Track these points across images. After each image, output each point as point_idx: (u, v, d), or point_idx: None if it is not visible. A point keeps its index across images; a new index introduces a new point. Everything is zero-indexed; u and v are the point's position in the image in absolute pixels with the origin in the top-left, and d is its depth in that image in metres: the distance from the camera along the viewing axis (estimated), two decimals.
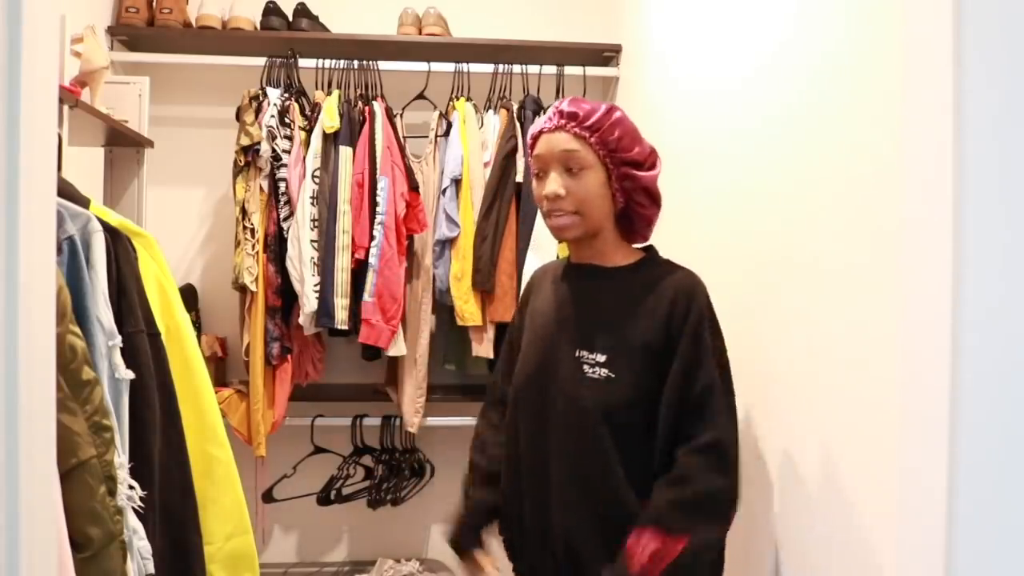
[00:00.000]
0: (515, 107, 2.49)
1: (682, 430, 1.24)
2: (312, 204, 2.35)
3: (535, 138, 1.36)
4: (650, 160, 1.34)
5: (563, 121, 1.31)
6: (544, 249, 2.24)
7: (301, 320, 2.35)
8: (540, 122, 1.36)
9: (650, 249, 1.42)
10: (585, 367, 1.31)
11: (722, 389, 1.25)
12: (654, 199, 1.35)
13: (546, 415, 1.35)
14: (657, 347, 1.27)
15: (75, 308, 1.10)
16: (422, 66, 2.56)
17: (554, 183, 1.30)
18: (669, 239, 2.00)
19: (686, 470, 1.22)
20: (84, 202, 1.23)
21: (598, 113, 1.30)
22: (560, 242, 1.67)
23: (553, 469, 1.33)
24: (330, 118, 2.35)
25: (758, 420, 1.42)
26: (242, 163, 2.37)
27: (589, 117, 1.30)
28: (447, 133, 2.48)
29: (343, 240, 2.34)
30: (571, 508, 1.31)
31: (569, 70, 2.59)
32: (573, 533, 1.30)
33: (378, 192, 2.33)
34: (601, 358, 1.30)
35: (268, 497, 2.60)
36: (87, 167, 2.14)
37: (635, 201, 1.33)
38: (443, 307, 2.49)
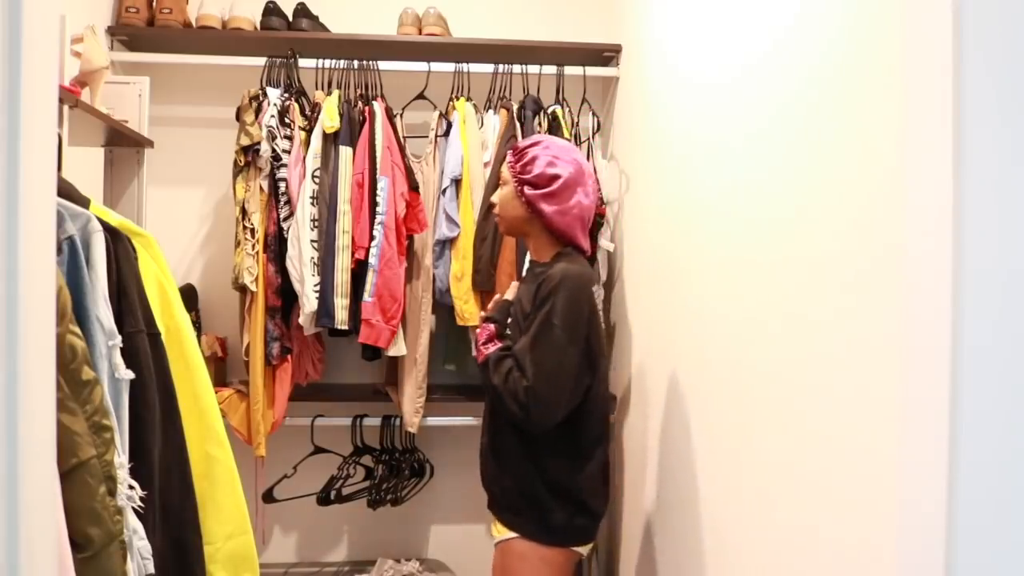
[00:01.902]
0: (515, 107, 2.49)
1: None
2: (312, 204, 2.35)
3: None
4: (546, 181, 1.70)
5: (509, 153, 1.80)
6: None
7: (301, 320, 2.35)
8: None
9: (569, 248, 1.77)
10: (507, 336, 1.76)
11: (530, 348, 1.64)
12: (547, 213, 1.71)
13: None
14: (525, 318, 1.69)
15: (75, 308, 1.10)
16: (422, 66, 2.56)
17: (495, 196, 1.84)
18: (670, 237, 2.01)
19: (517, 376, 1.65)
20: (84, 202, 1.23)
21: (525, 143, 1.77)
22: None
23: (484, 437, 1.85)
24: (330, 118, 2.35)
25: (758, 420, 1.42)
26: (242, 163, 2.37)
27: (516, 148, 1.77)
28: (447, 133, 2.48)
29: (343, 240, 2.34)
30: (486, 464, 1.83)
31: (569, 70, 2.59)
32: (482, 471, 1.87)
33: (378, 192, 2.33)
34: (510, 332, 1.76)
35: (268, 497, 2.60)
36: (87, 167, 2.14)
37: (535, 211, 1.72)
38: (443, 307, 2.49)
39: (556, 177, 1.69)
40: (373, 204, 2.35)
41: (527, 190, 1.71)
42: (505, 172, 1.77)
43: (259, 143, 2.35)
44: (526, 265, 2.29)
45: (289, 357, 2.45)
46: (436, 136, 2.51)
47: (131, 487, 1.13)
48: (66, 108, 1.55)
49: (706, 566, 1.65)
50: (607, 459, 1.81)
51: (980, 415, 0.83)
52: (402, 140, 2.46)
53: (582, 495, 1.73)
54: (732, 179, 1.58)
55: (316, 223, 2.35)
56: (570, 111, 2.53)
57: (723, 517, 1.56)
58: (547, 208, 1.70)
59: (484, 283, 2.36)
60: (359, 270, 2.34)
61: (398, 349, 2.38)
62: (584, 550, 1.80)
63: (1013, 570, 0.84)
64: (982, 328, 0.83)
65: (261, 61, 2.50)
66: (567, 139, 2.44)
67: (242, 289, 2.39)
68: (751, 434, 1.45)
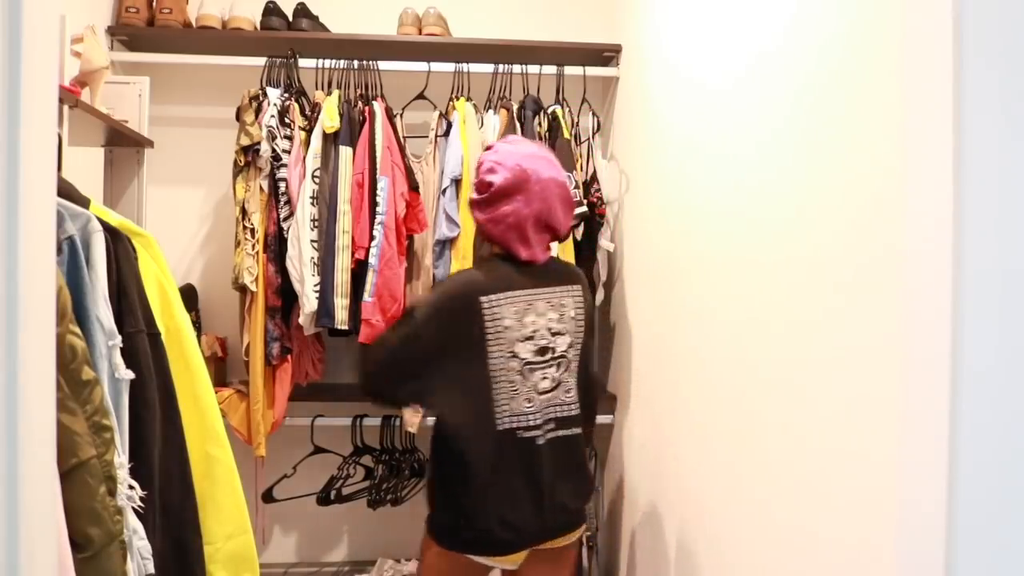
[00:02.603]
0: (515, 107, 2.49)
1: None
2: (312, 204, 2.35)
3: None
4: (483, 191, 1.68)
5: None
6: None
7: (301, 320, 2.35)
8: None
9: (495, 259, 1.72)
10: None
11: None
12: (476, 219, 1.72)
13: None
14: None
15: (75, 308, 1.10)
16: (422, 66, 2.56)
17: None
18: (670, 237, 2.01)
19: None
20: (84, 202, 1.23)
21: (488, 145, 1.78)
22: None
23: None
24: (330, 118, 2.35)
25: (758, 420, 1.42)
26: (242, 163, 2.37)
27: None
28: (447, 133, 2.48)
29: (343, 240, 2.34)
30: None
31: (569, 70, 2.59)
32: None
33: (378, 192, 2.33)
34: None
35: (268, 497, 2.60)
36: (87, 167, 2.14)
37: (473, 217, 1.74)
38: None
39: (489, 185, 1.66)
40: (373, 204, 2.35)
41: (471, 194, 1.72)
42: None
43: (259, 143, 2.35)
44: None
45: (289, 357, 2.45)
46: (436, 136, 2.51)
47: (131, 487, 1.13)
48: (66, 108, 1.55)
49: (706, 566, 1.65)
50: (520, 487, 1.62)
51: (980, 416, 0.83)
52: (402, 140, 2.46)
53: (465, 510, 1.62)
54: (732, 179, 1.58)
55: (316, 223, 2.35)
56: (570, 111, 2.53)
57: (723, 517, 1.56)
58: (480, 216, 1.69)
59: None
60: (359, 270, 2.34)
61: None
62: (491, 561, 1.68)
63: (1013, 570, 0.84)
64: (982, 329, 0.83)
65: (261, 61, 2.50)
66: (567, 139, 2.44)
67: (242, 289, 2.39)
68: (751, 434, 1.45)
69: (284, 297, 2.41)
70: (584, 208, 2.37)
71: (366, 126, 2.40)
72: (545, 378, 1.65)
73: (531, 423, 1.63)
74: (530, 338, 1.63)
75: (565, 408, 1.68)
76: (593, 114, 2.62)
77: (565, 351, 1.68)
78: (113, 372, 1.15)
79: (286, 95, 2.45)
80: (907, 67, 0.93)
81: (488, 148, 1.74)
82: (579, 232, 2.45)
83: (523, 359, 1.62)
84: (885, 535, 0.98)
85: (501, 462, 1.61)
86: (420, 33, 2.62)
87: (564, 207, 1.70)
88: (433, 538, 1.67)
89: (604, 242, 2.51)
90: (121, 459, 1.12)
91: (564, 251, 2.38)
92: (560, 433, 1.67)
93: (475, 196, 1.69)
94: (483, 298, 1.60)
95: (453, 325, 1.61)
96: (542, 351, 1.65)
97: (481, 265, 1.72)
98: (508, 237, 1.67)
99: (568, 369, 1.69)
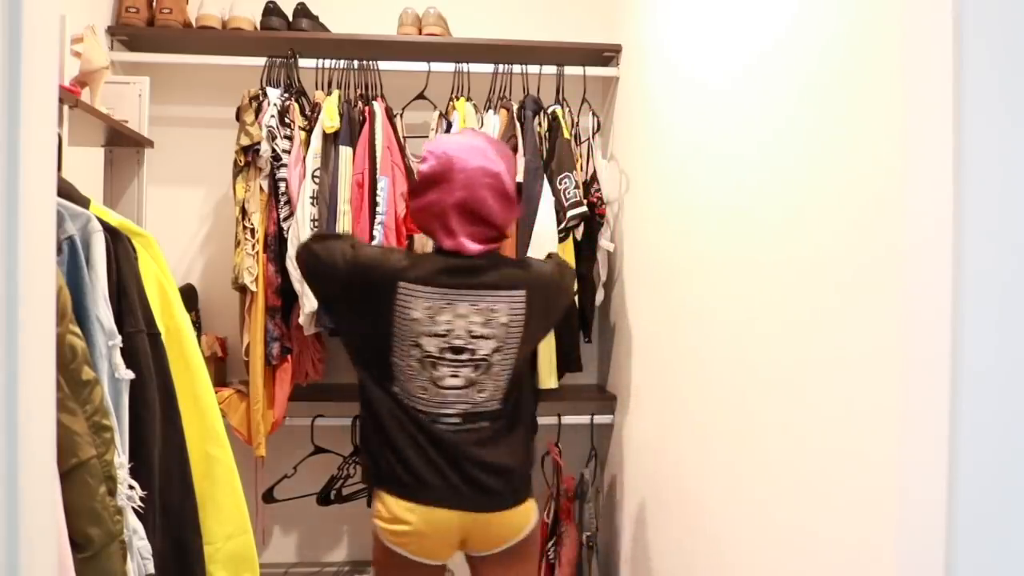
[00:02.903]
0: (515, 107, 2.49)
1: None
2: (312, 204, 2.35)
3: None
4: (414, 178, 1.82)
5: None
6: (544, 249, 2.23)
7: (301, 320, 2.35)
8: None
9: (427, 252, 1.75)
10: None
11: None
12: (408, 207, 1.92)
13: None
14: None
15: (75, 308, 1.10)
16: (422, 66, 2.56)
17: None
18: (670, 237, 2.01)
19: None
20: (84, 202, 1.23)
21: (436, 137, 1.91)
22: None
23: None
24: (330, 118, 2.35)
25: (758, 420, 1.42)
26: (242, 163, 2.37)
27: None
28: (447, 133, 2.48)
29: None
30: None
31: (569, 70, 2.59)
32: None
33: (378, 192, 2.33)
34: None
35: (268, 497, 2.60)
36: (87, 167, 2.14)
37: None
38: None
39: (417, 174, 1.70)
40: (373, 204, 2.35)
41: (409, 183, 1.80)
42: None
43: (259, 143, 2.35)
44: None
45: (289, 357, 2.45)
46: (436, 136, 2.51)
47: (131, 487, 1.13)
48: (66, 108, 1.55)
49: (706, 566, 1.65)
50: (417, 445, 1.63)
51: (980, 416, 0.83)
52: (402, 140, 2.46)
53: (373, 445, 1.69)
54: (732, 179, 1.58)
55: (316, 223, 2.35)
56: (570, 111, 2.53)
57: (722, 517, 1.56)
58: (410, 205, 1.75)
59: None
60: None
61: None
62: (425, 552, 1.64)
63: (1013, 570, 0.84)
64: (982, 329, 0.83)
65: (261, 61, 2.49)
66: (567, 139, 2.44)
67: (242, 289, 2.39)
68: (751, 434, 1.45)
69: (284, 297, 2.41)
70: (584, 208, 2.37)
71: (366, 126, 2.40)
72: (456, 376, 1.64)
73: (424, 408, 1.64)
74: (441, 336, 1.62)
75: (476, 406, 1.66)
76: (593, 114, 2.62)
77: (488, 355, 1.65)
78: (113, 372, 1.15)
79: (286, 95, 2.45)
80: (907, 67, 0.93)
81: (437, 141, 1.74)
82: (579, 232, 2.45)
83: (426, 351, 1.62)
84: (885, 535, 0.98)
85: (397, 420, 1.65)
86: (420, 33, 2.62)
87: (496, 197, 1.64)
88: (368, 484, 1.73)
89: (604, 242, 2.51)
90: (121, 459, 1.12)
91: (564, 251, 2.38)
92: (467, 426, 1.66)
93: (407, 186, 1.77)
94: (401, 283, 1.61)
95: (367, 291, 1.64)
96: (457, 351, 1.63)
97: (414, 253, 1.76)
98: (432, 226, 1.67)
99: (488, 372, 1.66)
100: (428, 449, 1.63)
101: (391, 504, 1.63)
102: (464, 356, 1.64)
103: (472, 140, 1.70)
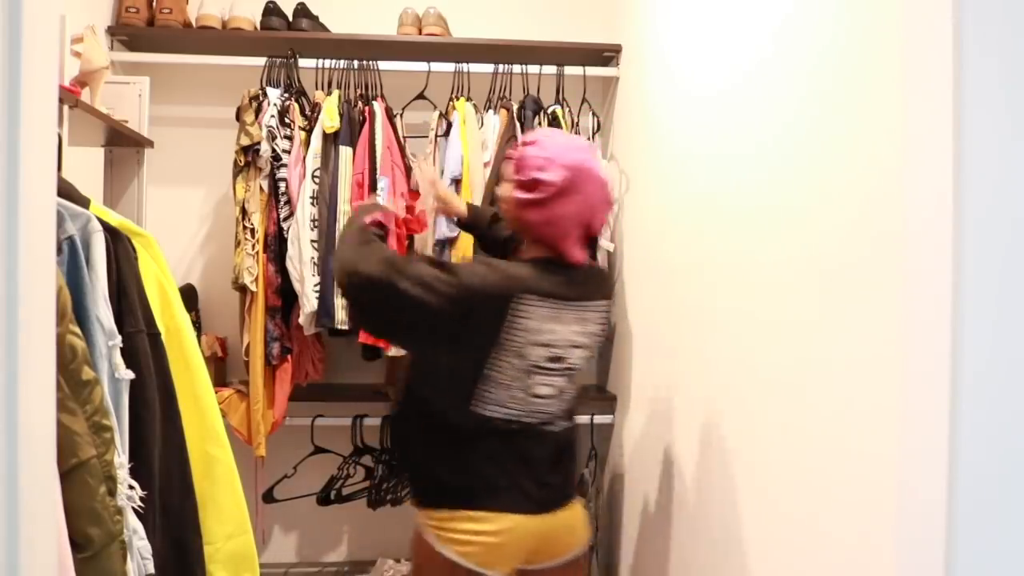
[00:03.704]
0: (515, 107, 2.49)
1: None
2: (312, 204, 2.35)
3: None
4: (534, 190, 1.55)
5: (520, 142, 1.69)
6: None
7: (301, 320, 2.35)
8: None
9: (544, 259, 1.60)
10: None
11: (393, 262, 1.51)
12: (524, 220, 1.59)
13: None
14: None
15: (75, 308, 1.10)
16: (422, 66, 2.56)
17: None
18: (669, 237, 2.01)
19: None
20: (84, 202, 1.23)
21: (526, 139, 1.63)
22: None
23: None
24: (330, 118, 2.35)
25: (758, 420, 1.42)
26: (242, 163, 2.37)
27: (524, 141, 1.63)
28: (447, 133, 2.48)
29: None
30: None
31: (569, 70, 2.59)
32: None
33: (378, 192, 2.33)
34: None
35: (268, 497, 2.60)
36: (87, 167, 2.14)
37: (522, 217, 1.59)
38: None
39: (541, 183, 1.53)
40: None
41: (517, 193, 1.57)
42: (506, 169, 1.64)
43: (259, 143, 2.35)
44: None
45: (289, 357, 2.45)
46: (436, 136, 2.51)
47: (131, 487, 1.13)
48: (66, 108, 1.55)
49: (705, 565, 1.65)
50: (498, 456, 1.59)
51: (980, 414, 0.83)
52: (402, 140, 2.46)
53: (450, 465, 1.60)
54: (732, 179, 1.58)
55: (316, 223, 2.35)
56: (570, 111, 2.53)
57: (722, 516, 1.56)
58: (533, 217, 1.55)
59: None
60: None
61: (398, 349, 2.38)
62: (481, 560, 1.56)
63: (1013, 569, 0.84)
64: (982, 328, 0.83)
65: (261, 61, 2.49)
66: None
67: (242, 289, 2.39)
68: (751, 433, 1.45)
69: (284, 297, 2.41)
70: None
71: (366, 126, 2.40)
72: (549, 385, 1.59)
73: (513, 417, 1.57)
74: (546, 345, 1.55)
75: (559, 413, 1.64)
76: (593, 114, 2.62)
77: (577, 364, 1.62)
78: (113, 372, 1.15)
79: (286, 95, 2.45)
80: (908, 64, 0.93)
81: (530, 142, 1.59)
82: None
83: (530, 361, 1.54)
84: (885, 534, 0.98)
85: (481, 433, 1.57)
86: (420, 33, 2.62)
87: (608, 208, 1.66)
88: (429, 508, 1.58)
89: (604, 242, 2.51)
90: (121, 459, 1.12)
91: None
92: (552, 431, 1.63)
93: (525, 195, 1.55)
94: (521, 296, 1.50)
95: (477, 311, 1.50)
96: (556, 359, 1.57)
97: (529, 264, 1.57)
98: (565, 238, 1.56)
99: (572, 380, 1.65)
100: (513, 458, 1.58)
101: (478, 519, 1.55)
102: (561, 365, 1.59)
103: (580, 143, 1.69)
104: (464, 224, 2.07)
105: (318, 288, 2.32)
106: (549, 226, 1.55)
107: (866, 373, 1.05)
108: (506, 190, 1.63)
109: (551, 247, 1.58)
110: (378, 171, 2.35)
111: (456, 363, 1.55)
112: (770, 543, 1.36)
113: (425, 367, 1.63)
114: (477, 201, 2.42)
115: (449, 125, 2.49)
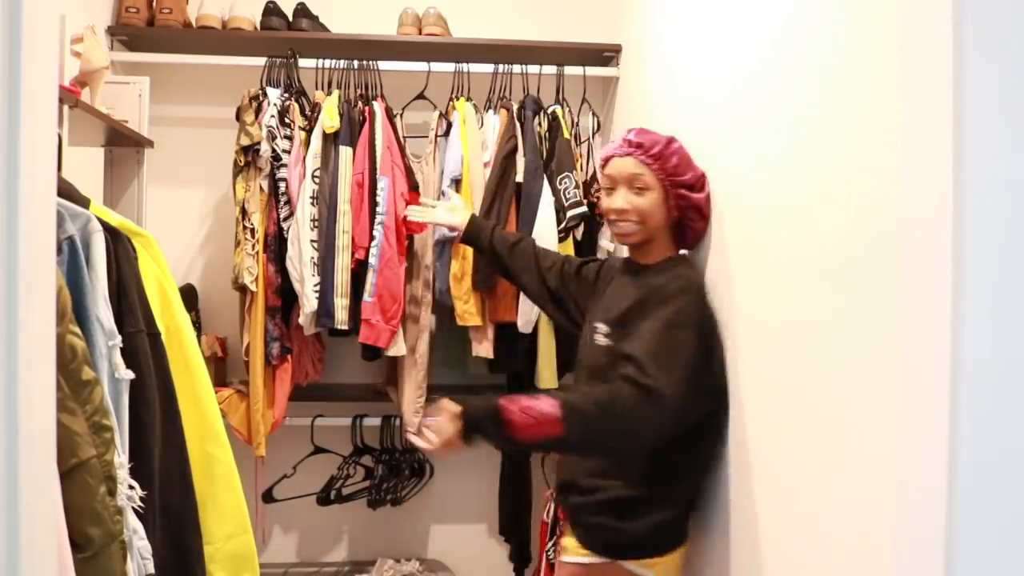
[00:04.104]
0: (515, 107, 2.49)
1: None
2: (312, 204, 2.35)
3: (606, 160, 1.68)
4: (699, 183, 1.63)
5: (631, 149, 1.62)
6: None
7: (301, 320, 2.35)
8: (611, 147, 1.67)
9: (684, 255, 1.69)
10: (596, 335, 1.62)
11: (657, 340, 1.43)
12: (703, 215, 1.64)
13: (577, 376, 1.74)
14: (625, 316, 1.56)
15: (75, 308, 1.10)
16: (422, 66, 2.56)
17: (621, 199, 1.62)
18: None
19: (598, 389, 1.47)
20: (84, 202, 1.23)
21: (660, 144, 1.61)
22: (622, 244, 1.83)
23: None
24: (330, 118, 2.35)
25: (758, 422, 1.42)
26: (242, 163, 2.37)
27: (653, 147, 1.60)
28: (447, 133, 2.48)
29: (343, 240, 2.33)
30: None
31: (569, 70, 2.59)
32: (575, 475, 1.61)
33: (378, 192, 2.33)
34: (605, 329, 1.60)
35: (268, 497, 2.60)
36: (87, 167, 2.14)
37: (687, 216, 1.64)
38: (443, 307, 2.49)
39: (703, 178, 1.64)
40: (373, 204, 2.35)
41: (685, 192, 1.60)
42: (647, 176, 1.59)
43: (259, 143, 2.35)
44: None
45: (289, 357, 2.45)
46: (436, 136, 2.51)
47: (131, 487, 1.13)
48: (66, 108, 1.55)
49: (705, 564, 1.65)
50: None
51: (980, 413, 0.83)
52: (402, 140, 2.46)
53: (689, 494, 1.64)
54: (732, 179, 1.58)
55: (316, 223, 2.35)
56: (570, 111, 2.53)
57: (723, 516, 1.56)
58: (707, 210, 1.64)
59: (484, 283, 2.35)
60: (359, 270, 2.34)
61: (398, 349, 2.38)
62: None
63: (1012, 568, 0.84)
64: (981, 328, 0.83)
65: (261, 61, 2.49)
66: (567, 139, 2.44)
67: (242, 289, 2.39)
68: (750, 432, 1.45)
69: (284, 297, 2.41)
70: (584, 208, 2.37)
71: (366, 126, 2.40)
72: None
73: None
74: None
75: None
76: (593, 114, 2.62)
77: None
78: (113, 372, 1.15)
79: (286, 95, 2.44)
80: (908, 64, 0.93)
81: (666, 143, 1.62)
82: (579, 232, 2.45)
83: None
84: (884, 534, 0.98)
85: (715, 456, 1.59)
86: (420, 33, 2.62)
87: None
88: (649, 548, 1.53)
89: (604, 242, 2.51)
90: (121, 459, 1.12)
91: (565, 251, 2.37)
92: None
93: (698, 193, 1.62)
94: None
95: (714, 326, 1.56)
96: None
97: (688, 266, 1.64)
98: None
99: None
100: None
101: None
102: None
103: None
104: (465, 238, 2.05)
105: (318, 288, 2.32)
106: (706, 219, 1.66)
107: (866, 373, 1.05)
108: (654, 199, 1.60)
109: (698, 240, 1.67)
110: (378, 171, 2.35)
111: (719, 376, 1.57)
112: (770, 542, 1.36)
113: (704, 400, 1.54)
114: (478, 201, 2.42)
115: (449, 125, 2.49)
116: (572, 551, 1.59)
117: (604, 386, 1.44)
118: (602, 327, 1.60)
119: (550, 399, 1.38)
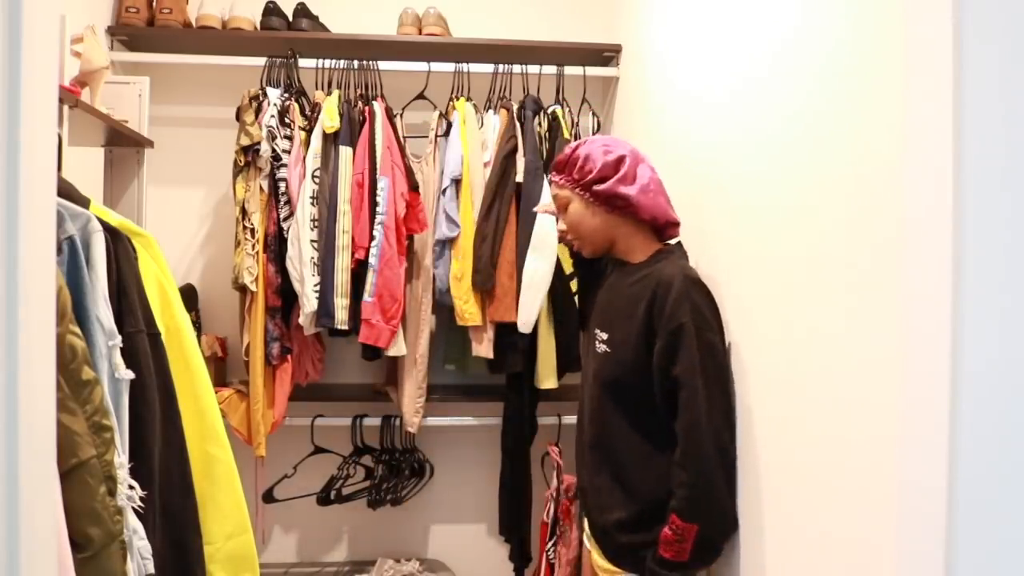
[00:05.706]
0: (515, 107, 2.49)
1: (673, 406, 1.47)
2: (312, 204, 2.35)
3: None
4: (609, 171, 1.56)
5: (550, 177, 1.68)
6: (544, 249, 2.23)
7: (301, 320, 2.35)
8: None
9: (671, 246, 1.64)
10: (597, 342, 1.62)
11: (700, 373, 1.43)
12: (628, 201, 1.55)
13: (583, 382, 1.72)
14: (639, 327, 1.51)
15: (75, 308, 1.10)
16: (422, 66, 2.56)
17: (560, 224, 1.67)
18: None
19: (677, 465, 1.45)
20: (84, 202, 1.23)
21: (565, 155, 1.62)
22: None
23: (585, 432, 1.66)
24: (330, 118, 2.35)
25: (758, 422, 1.42)
26: (242, 163, 2.37)
27: (559, 163, 1.63)
28: (447, 133, 2.48)
29: (343, 240, 2.33)
30: (589, 468, 1.63)
31: (569, 70, 2.59)
32: (590, 492, 1.63)
33: (378, 192, 2.33)
34: (604, 336, 1.60)
35: (268, 497, 2.60)
36: (87, 167, 2.14)
37: (616, 207, 1.57)
38: (443, 307, 2.49)
39: (621, 159, 1.55)
40: (373, 204, 2.35)
41: (598, 187, 1.55)
42: (562, 192, 1.61)
43: (259, 143, 2.35)
44: (530, 268, 2.28)
45: (289, 357, 2.45)
46: (436, 136, 2.51)
47: (131, 487, 1.13)
48: (66, 108, 1.55)
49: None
50: None
51: (980, 413, 0.83)
52: (402, 140, 2.46)
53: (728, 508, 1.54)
54: (732, 179, 1.58)
55: (316, 223, 2.35)
56: (570, 111, 2.53)
57: None
58: (629, 191, 1.53)
59: (484, 283, 2.36)
60: (359, 270, 2.34)
61: (398, 349, 2.38)
62: None
63: (1013, 568, 0.84)
64: (982, 328, 0.83)
65: (261, 61, 2.49)
66: (567, 139, 2.44)
67: (242, 289, 2.39)
68: (750, 432, 1.45)
69: (284, 297, 2.41)
70: None
71: (366, 126, 2.40)
72: None
73: None
74: None
75: None
76: (593, 114, 2.62)
77: None
78: (113, 372, 1.15)
79: (286, 95, 2.45)
80: (909, 66, 0.93)
81: (575, 148, 1.60)
82: None
83: None
84: (885, 533, 0.98)
85: None
86: (420, 33, 2.62)
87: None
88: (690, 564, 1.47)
89: None
90: (121, 459, 1.12)
91: (563, 251, 2.38)
92: None
93: (611, 179, 1.54)
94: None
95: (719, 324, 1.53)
96: None
97: (673, 258, 1.58)
98: (661, 202, 1.58)
99: None
100: None
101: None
102: None
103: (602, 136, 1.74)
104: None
105: (318, 288, 2.32)
106: (645, 193, 1.55)
107: (866, 373, 1.05)
108: (576, 211, 1.60)
109: (658, 216, 1.58)
110: (378, 171, 2.35)
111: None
112: (769, 542, 1.36)
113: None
114: (478, 201, 2.42)
115: (449, 125, 2.49)
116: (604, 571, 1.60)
117: (678, 465, 1.44)
118: (600, 334, 1.62)
119: (670, 521, 1.43)
